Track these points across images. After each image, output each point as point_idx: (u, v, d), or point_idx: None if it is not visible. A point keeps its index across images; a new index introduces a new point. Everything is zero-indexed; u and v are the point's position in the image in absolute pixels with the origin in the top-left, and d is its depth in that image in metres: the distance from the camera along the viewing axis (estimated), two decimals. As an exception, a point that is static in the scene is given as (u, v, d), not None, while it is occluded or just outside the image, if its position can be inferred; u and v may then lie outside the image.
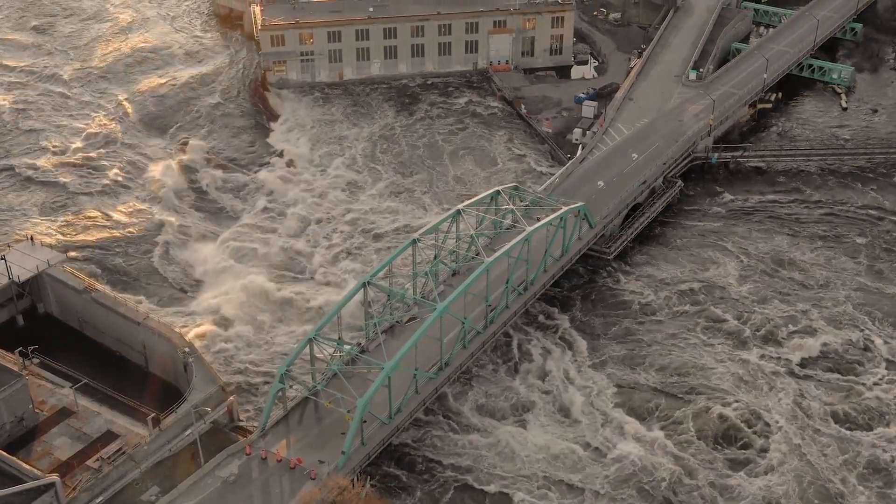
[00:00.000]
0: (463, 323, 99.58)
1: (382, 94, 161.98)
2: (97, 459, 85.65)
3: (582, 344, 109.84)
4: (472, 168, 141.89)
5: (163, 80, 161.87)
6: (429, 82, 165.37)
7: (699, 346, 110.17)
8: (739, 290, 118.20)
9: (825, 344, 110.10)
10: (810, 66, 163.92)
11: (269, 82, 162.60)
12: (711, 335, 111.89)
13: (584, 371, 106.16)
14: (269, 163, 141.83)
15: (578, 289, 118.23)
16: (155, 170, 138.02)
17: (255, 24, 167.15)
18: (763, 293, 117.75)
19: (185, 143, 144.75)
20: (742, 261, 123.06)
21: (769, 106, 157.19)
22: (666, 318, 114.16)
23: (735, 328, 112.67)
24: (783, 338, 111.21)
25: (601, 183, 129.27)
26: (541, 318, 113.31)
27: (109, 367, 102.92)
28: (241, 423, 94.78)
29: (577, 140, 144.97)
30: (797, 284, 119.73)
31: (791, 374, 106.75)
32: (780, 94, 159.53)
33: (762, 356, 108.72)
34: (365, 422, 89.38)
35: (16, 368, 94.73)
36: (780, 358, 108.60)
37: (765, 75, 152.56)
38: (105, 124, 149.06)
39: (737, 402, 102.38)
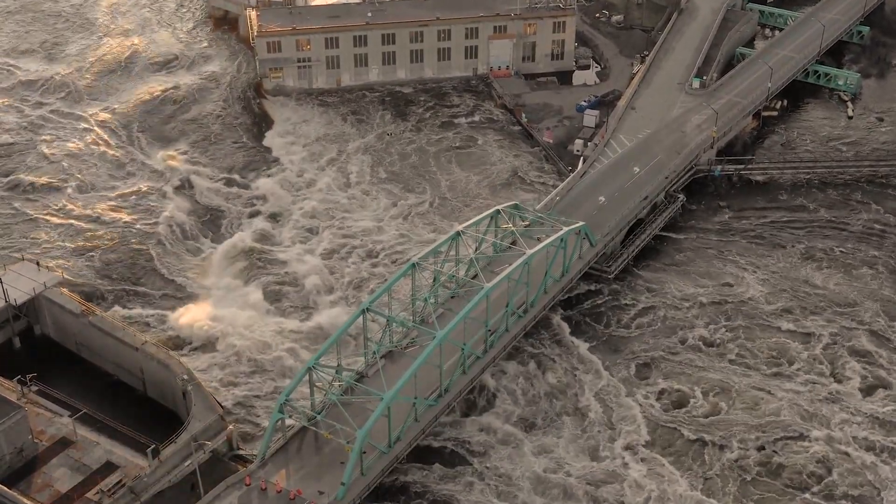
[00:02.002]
0: (462, 349, 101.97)
1: (381, 100, 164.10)
2: (97, 492, 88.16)
3: (611, 373, 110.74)
4: (471, 178, 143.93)
5: (157, 90, 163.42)
6: (428, 88, 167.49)
7: (744, 375, 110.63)
8: (767, 308, 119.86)
9: (881, 368, 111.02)
10: (816, 72, 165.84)
11: (266, 89, 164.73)
12: (753, 360, 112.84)
13: (619, 410, 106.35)
14: (267, 175, 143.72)
15: (588, 311, 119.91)
16: (153, 187, 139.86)
17: (251, 28, 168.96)
18: (793, 310, 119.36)
19: (182, 156, 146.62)
20: (759, 276, 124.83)
21: (775, 114, 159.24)
22: (692, 339, 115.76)
23: (779, 351, 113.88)
24: (836, 362, 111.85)
25: (602, 198, 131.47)
26: (554, 342, 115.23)
27: (107, 392, 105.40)
28: (241, 452, 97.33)
29: (578, 151, 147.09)
30: (825, 301, 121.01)
31: (854, 403, 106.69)
32: (785, 102, 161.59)
33: (822, 385, 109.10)
34: (364, 452, 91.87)
35: (14, 396, 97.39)
36: (839, 386, 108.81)
37: (769, 84, 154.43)
38: (100, 139, 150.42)
39: (815, 442, 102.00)
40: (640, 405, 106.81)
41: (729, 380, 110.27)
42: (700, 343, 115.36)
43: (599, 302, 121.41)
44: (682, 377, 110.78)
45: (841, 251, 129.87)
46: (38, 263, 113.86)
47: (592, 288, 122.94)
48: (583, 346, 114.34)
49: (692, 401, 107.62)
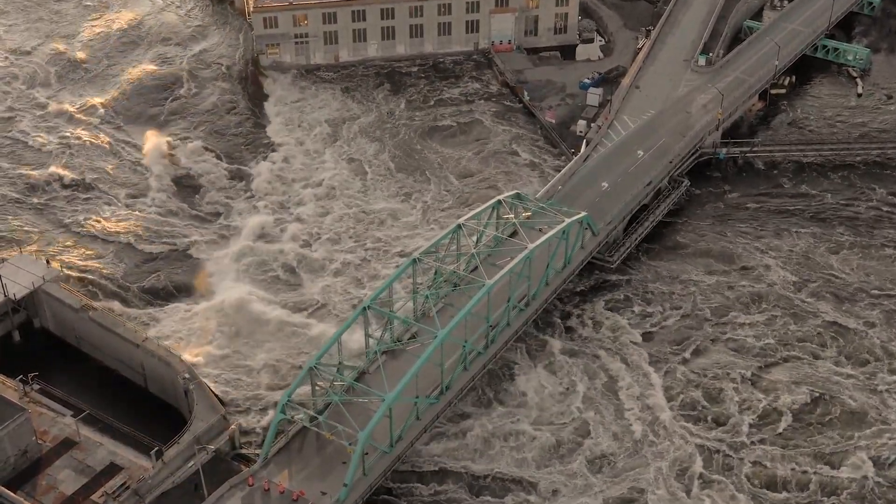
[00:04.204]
0: (464, 346, 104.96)
1: (380, 77, 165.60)
2: (102, 494, 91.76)
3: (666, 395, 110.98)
4: (472, 159, 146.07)
5: (153, 67, 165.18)
6: (428, 64, 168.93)
7: (804, 374, 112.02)
8: (799, 295, 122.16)
9: None
10: (825, 47, 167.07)
11: (263, 66, 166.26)
12: (810, 354, 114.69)
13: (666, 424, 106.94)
14: (264, 157, 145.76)
15: (609, 304, 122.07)
16: (150, 170, 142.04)
17: (247, 2, 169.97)
18: (825, 297, 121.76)
19: (178, 139, 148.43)
20: (779, 262, 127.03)
21: (783, 91, 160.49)
22: (731, 333, 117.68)
23: (838, 342, 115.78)
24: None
25: (605, 184, 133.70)
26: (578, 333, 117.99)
27: (108, 387, 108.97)
28: (243, 451, 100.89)
29: (581, 132, 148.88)
30: (855, 285, 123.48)
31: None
32: (793, 78, 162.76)
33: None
34: (366, 453, 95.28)
35: (17, 396, 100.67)
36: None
37: (776, 62, 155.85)
38: (97, 127, 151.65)
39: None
40: (692, 427, 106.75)
41: (793, 381, 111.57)
42: (744, 337, 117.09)
43: (618, 295, 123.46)
44: (734, 382, 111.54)
45: (853, 234, 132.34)
46: (47, 261, 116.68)
47: (613, 279, 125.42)
48: (623, 354, 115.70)
49: (749, 413, 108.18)
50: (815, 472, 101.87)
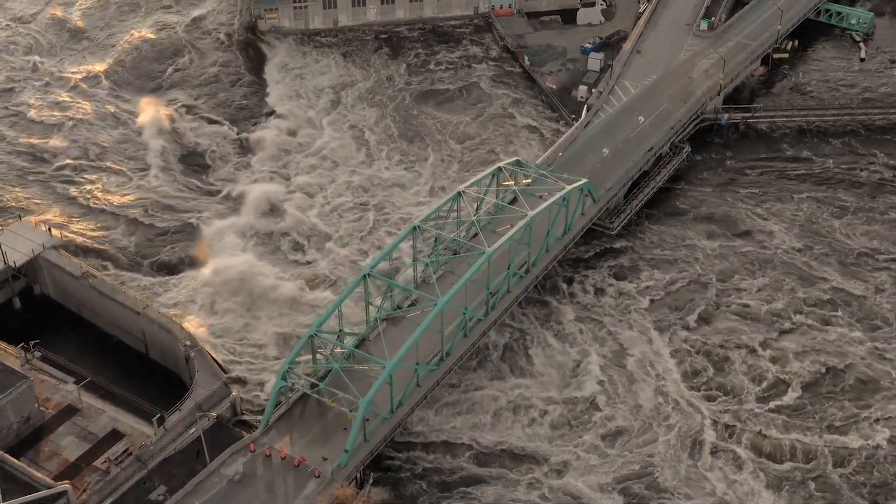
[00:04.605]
0: (464, 313, 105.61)
1: (379, 41, 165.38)
2: (105, 461, 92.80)
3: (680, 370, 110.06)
4: (472, 125, 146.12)
5: (149, 32, 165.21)
6: (427, 28, 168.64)
7: (816, 341, 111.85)
8: (803, 259, 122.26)
9: None
10: (828, 10, 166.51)
11: (261, 31, 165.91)
12: (809, 318, 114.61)
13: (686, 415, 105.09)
14: (264, 125, 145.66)
15: (612, 272, 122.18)
16: (148, 138, 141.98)
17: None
18: (830, 261, 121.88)
19: (175, 105, 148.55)
20: (782, 228, 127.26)
21: (785, 56, 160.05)
22: (737, 299, 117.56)
23: (851, 307, 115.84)
24: None
25: (606, 150, 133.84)
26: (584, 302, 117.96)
27: (109, 353, 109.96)
28: (244, 418, 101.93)
29: (582, 97, 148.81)
30: (859, 250, 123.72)
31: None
32: (796, 42, 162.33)
33: None
34: (367, 420, 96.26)
35: (19, 363, 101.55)
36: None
37: (779, 26, 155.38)
38: (95, 95, 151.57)
39: None
40: (704, 405, 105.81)
41: (802, 348, 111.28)
42: (750, 303, 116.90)
43: (623, 261, 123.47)
44: (741, 349, 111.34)
45: (857, 199, 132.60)
46: (49, 229, 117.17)
47: (617, 246, 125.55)
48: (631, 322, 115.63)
49: (758, 382, 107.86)
50: (825, 444, 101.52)
